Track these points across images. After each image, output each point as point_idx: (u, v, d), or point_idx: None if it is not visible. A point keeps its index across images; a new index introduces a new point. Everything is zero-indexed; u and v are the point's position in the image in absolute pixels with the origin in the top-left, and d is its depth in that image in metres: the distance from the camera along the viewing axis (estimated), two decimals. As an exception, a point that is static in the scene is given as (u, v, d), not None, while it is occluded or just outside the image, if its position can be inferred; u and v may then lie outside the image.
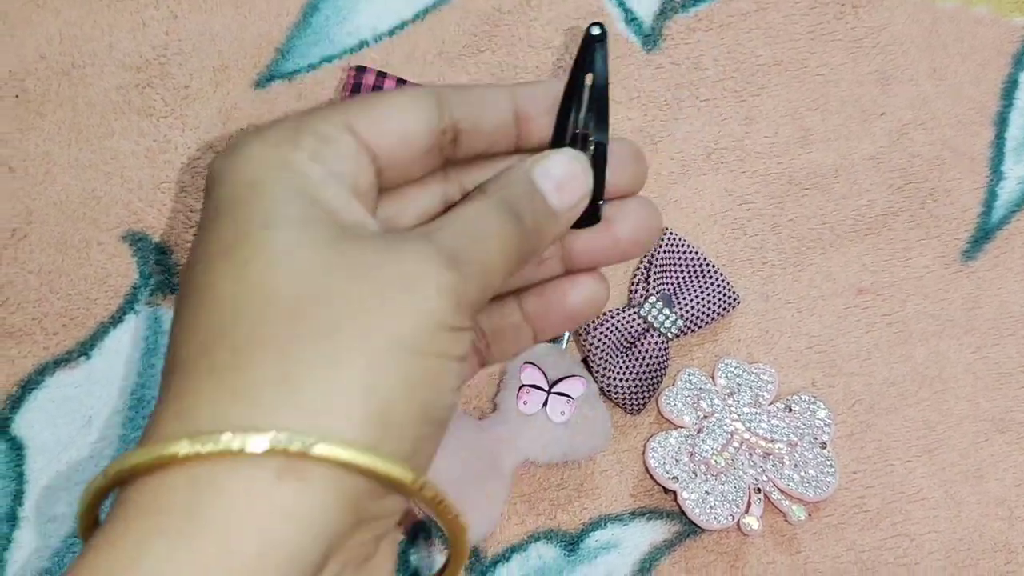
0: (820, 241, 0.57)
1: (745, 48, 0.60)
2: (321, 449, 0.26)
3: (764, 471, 0.52)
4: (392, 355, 0.28)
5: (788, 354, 0.55)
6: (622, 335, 0.53)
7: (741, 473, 0.52)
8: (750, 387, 0.53)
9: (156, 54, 0.58)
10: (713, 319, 0.54)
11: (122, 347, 0.53)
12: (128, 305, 0.54)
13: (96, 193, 0.55)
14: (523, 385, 0.52)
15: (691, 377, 0.53)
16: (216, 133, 0.56)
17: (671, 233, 0.55)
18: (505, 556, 0.51)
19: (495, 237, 0.31)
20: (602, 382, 0.52)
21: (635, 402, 0.53)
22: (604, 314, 0.53)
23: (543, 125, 0.34)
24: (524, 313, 0.36)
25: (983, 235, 0.58)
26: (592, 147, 0.34)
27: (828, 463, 0.52)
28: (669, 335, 0.53)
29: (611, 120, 0.56)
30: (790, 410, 0.53)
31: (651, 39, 0.60)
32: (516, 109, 0.34)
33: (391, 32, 0.59)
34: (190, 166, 0.56)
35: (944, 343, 0.56)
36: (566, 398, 0.52)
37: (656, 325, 0.53)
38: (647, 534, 0.52)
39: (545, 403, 0.52)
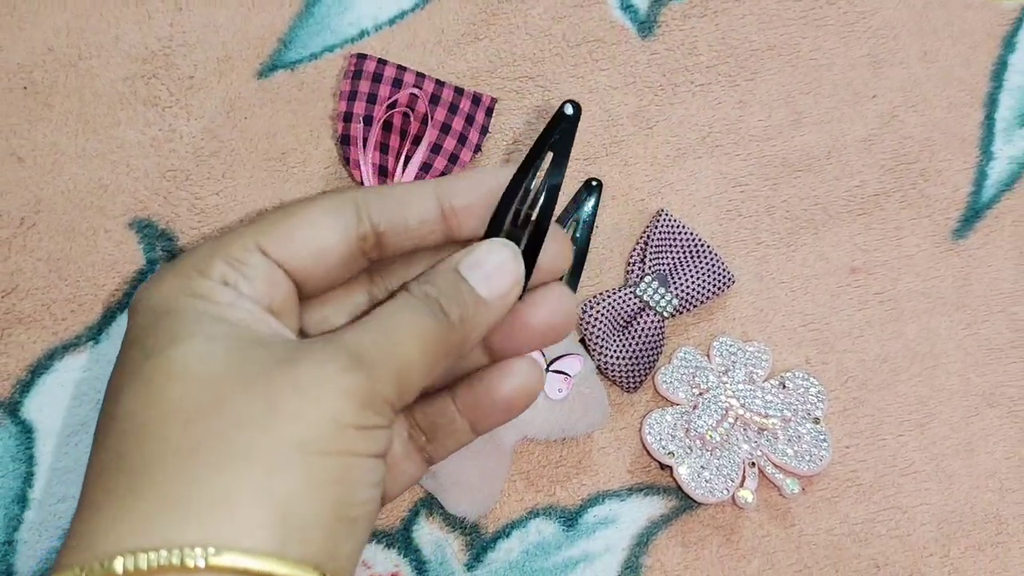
0: (813, 222, 0.58)
1: (739, 33, 0.61)
2: (218, 560, 0.26)
3: (759, 446, 0.53)
4: (290, 457, 0.28)
5: (782, 332, 0.56)
6: (618, 314, 0.54)
7: (736, 448, 0.53)
8: (744, 364, 0.54)
9: (161, 45, 0.59)
10: (708, 298, 0.55)
11: (130, 331, 0.54)
12: (135, 291, 0.55)
13: (103, 182, 0.56)
14: (522, 365, 0.53)
15: (687, 355, 0.54)
16: (220, 122, 0.58)
17: (666, 214, 0.56)
18: (505, 532, 0.52)
19: (410, 332, 0.30)
20: (599, 360, 0.54)
21: (632, 380, 0.54)
22: (601, 293, 0.55)
23: (471, 218, 0.34)
24: (458, 407, 0.36)
25: (973, 214, 0.59)
26: (532, 226, 0.34)
27: (821, 438, 0.53)
28: (665, 314, 0.54)
29: (607, 108, 0.58)
30: (784, 387, 0.54)
31: (646, 25, 0.61)
32: (442, 204, 0.33)
33: (391, 21, 0.60)
34: (195, 155, 0.57)
35: (935, 320, 0.57)
36: (564, 376, 0.53)
37: (652, 304, 0.54)
38: (644, 509, 0.53)
39: (543, 381, 0.53)
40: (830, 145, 0.60)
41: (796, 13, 0.62)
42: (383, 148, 0.55)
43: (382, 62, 0.56)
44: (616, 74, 0.60)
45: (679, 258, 0.55)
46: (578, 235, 0.56)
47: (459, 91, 0.57)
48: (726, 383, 0.54)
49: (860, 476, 0.54)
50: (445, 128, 0.56)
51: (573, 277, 0.56)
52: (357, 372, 0.29)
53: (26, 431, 0.53)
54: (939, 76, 0.61)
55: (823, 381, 0.55)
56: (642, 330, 0.54)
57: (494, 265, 0.33)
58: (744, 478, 0.52)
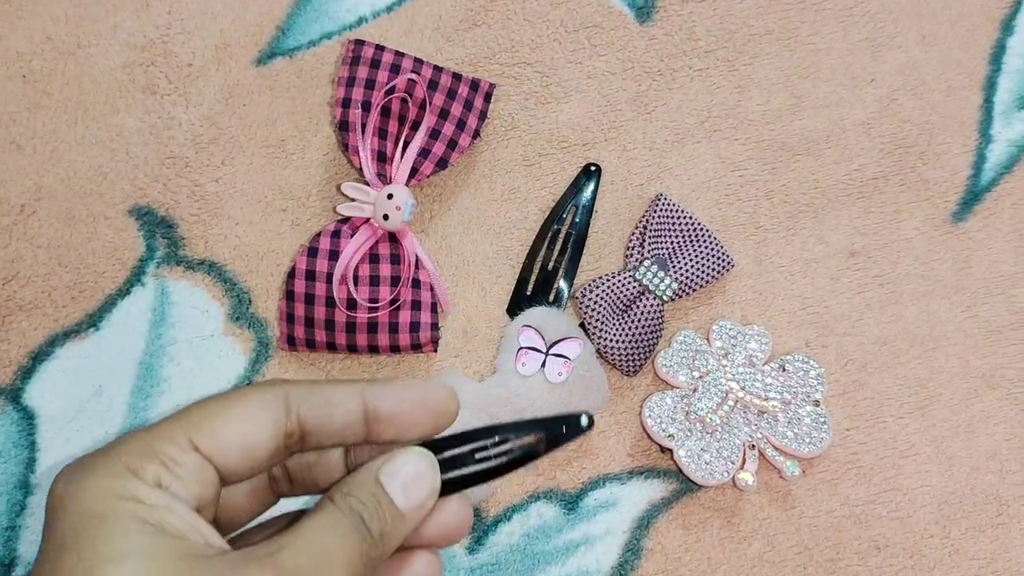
0: (812, 205, 0.58)
1: (737, 18, 0.61)
2: None
3: (758, 428, 0.53)
4: None
5: (781, 315, 0.56)
6: (618, 298, 0.54)
7: (736, 431, 0.53)
8: (744, 348, 0.54)
9: (159, 33, 0.59)
10: (707, 282, 0.55)
11: (130, 318, 0.55)
12: (135, 277, 0.55)
13: (103, 169, 0.56)
14: (521, 347, 0.53)
15: (686, 339, 0.54)
16: (219, 109, 0.58)
17: (665, 198, 0.56)
18: (506, 516, 0.52)
19: (340, 553, 0.31)
20: (599, 344, 0.54)
21: (631, 364, 0.54)
22: (600, 277, 0.55)
23: (393, 426, 0.34)
24: None
25: (972, 197, 0.59)
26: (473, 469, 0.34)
27: (822, 420, 0.53)
28: (664, 298, 0.54)
29: (606, 93, 0.58)
30: (783, 370, 0.54)
31: (644, 11, 0.61)
32: (366, 408, 0.33)
33: (389, 8, 0.60)
34: (194, 142, 0.57)
35: (934, 303, 0.57)
36: (564, 359, 0.53)
37: (651, 288, 0.54)
38: (645, 492, 0.53)
39: (543, 364, 0.53)
40: (829, 129, 0.60)
41: (794, -3, 0.62)
42: (382, 134, 0.55)
43: (380, 48, 0.56)
44: (614, 59, 0.60)
45: (678, 242, 0.56)
46: (577, 219, 0.56)
47: (457, 77, 0.57)
48: (726, 366, 0.54)
49: (860, 458, 0.54)
50: (443, 114, 0.56)
51: (572, 263, 0.56)
52: None
53: (28, 417, 0.53)
54: (938, 60, 0.61)
55: (823, 364, 0.55)
56: (642, 314, 0.54)
57: (410, 475, 0.33)
58: (744, 460, 0.52)
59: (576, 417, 0.34)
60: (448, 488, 0.34)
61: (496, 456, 0.34)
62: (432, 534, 0.34)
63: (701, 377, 0.54)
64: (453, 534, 0.35)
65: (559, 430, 0.34)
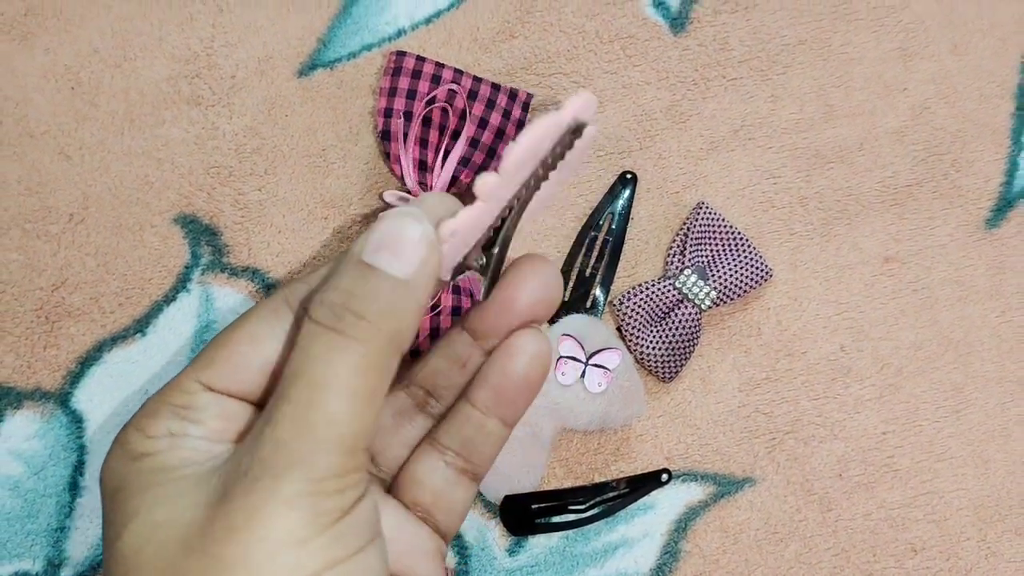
0: (846, 212, 0.59)
1: (770, 28, 0.62)
2: None
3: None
4: None
5: (817, 321, 0.57)
6: (656, 306, 0.55)
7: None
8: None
9: (203, 46, 0.60)
10: (746, 291, 0.56)
11: (175, 324, 0.56)
12: (181, 284, 0.56)
13: (148, 179, 0.57)
14: (561, 356, 0.54)
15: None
16: (261, 120, 0.59)
17: (706, 207, 0.57)
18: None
19: (328, 387, 0.26)
20: (635, 351, 0.54)
21: (668, 370, 0.54)
22: (640, 285, 0.55)
23: None
24: (481, 409, 0.33)
25: (1005, 204, 0.60)
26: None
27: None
28: (703, 307, 0.55)
29: (641, 103, 0.58)
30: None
31: (679, 22, 0.62)
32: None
33: (428, 20, 0.61)
34: (237, 152, 0.58)
35: (969, 308, 0.57)
36: (603, 370, 0.53)
37: (691, 297, 0.55)
38: (682, 495, 0.54)
39: (583, 374, 0.53)
40: (862, 137, 0.60)
41: (826, 7, 0.63)
42: (423, 143, 0.56)
43: (421, 59, 0.57)
44: (649, 70, 0.61)
45: (718, 250, 0.56)
46: (614, 227, 0.57)
47: (496, 87, 0.58)
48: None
49: (897, 462, 0.54)
50: (483, 123, 0.57)
51: (609, 270, 0.57)
52: (287, 475, 0.26)
53: (76, 420, 0.54)
54: (969, 68, 0.62)
55: (859, 368, 0.55)
56: (679, 322, 0.54)
57: (400, 240, 0.28)
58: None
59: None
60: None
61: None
62: (526, 301, 0.31)
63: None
64: (549, 298, 0.32)
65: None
